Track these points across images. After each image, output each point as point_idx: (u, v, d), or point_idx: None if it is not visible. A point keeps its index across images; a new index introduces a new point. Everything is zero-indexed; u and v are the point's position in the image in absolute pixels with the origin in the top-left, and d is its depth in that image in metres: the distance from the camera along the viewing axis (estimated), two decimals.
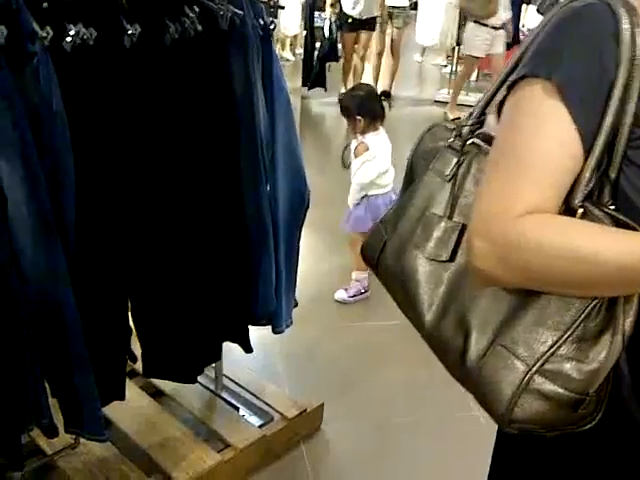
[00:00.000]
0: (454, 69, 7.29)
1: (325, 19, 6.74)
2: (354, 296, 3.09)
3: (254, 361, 2.40)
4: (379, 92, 3.04)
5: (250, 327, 1.96)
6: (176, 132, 1.60)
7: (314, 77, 6.63)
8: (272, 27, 1.71)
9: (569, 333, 0.73)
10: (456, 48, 7.08)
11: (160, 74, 1.53)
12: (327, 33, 6.62)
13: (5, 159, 1.29)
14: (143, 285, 1.72)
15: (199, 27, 1.56)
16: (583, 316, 0.73)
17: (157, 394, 2.21)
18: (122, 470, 1.87)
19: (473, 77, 7.99)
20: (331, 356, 2.68)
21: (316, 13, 7.31)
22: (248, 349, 1.97)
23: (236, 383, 2.30)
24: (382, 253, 0.98)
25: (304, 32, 6.43)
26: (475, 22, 5.77)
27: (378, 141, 2.98)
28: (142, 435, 2.00)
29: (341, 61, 6.72)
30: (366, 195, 3.00)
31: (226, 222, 1.77)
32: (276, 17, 1.76)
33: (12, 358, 1.42)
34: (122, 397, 1.74)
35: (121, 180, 1.53)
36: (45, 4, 1.33)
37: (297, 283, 2.06)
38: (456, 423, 2.35)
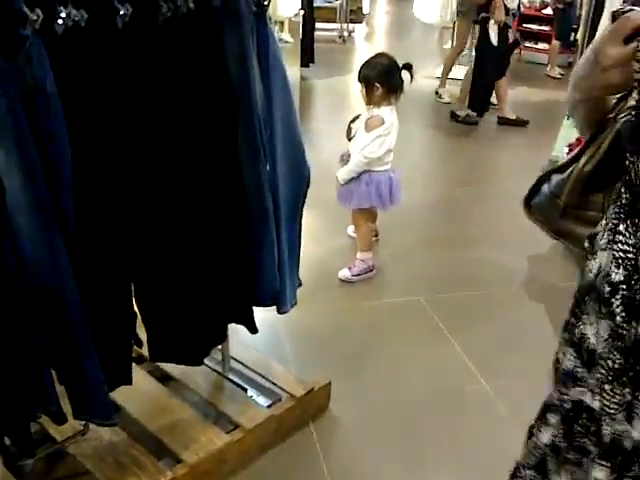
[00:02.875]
0: (454, 44, 7.20)
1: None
2: (358, 275, 3.08)
3: (260, 342, 2.40)
4: (401, 64, 2.97)
5: (255, 308, 1.96)
6: (172, 112, 1.58)
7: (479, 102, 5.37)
8: (266, 3, 1.69)
9: None
10: (456, 23, 6.99)
11: (154, 54, 1.51)
12: (495, 42, 5.19)
13: (1, 145, 1.29)
14: (146, 269, 1.71)
15: (191, 5, 1.54)
16: None
17: (164, 378, 2.21)
18: (132, 454, 1.88)
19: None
20: (336, 335, 2.69)
21: None
22: (253, 330, 1.97)
23: (243, 364, 2.30)
24: None
25: (302, 12, 6.34)
26: None
27: (393, 117, 2.94)
28: (151, 419, 2.01)
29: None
30: (368, 171, 2.97)
31: (226, 203, 1.76)
32: None
33: (15, 346, 1.42)
34: (129, 382, 1.75)
35: (119, 162, 1.52)
36: None
37: (300, 263, 2.06)
38: (465, 397, 2.35)
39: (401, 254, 3.38)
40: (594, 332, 0.91)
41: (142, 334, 1.83)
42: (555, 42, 7.21)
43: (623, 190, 0.87)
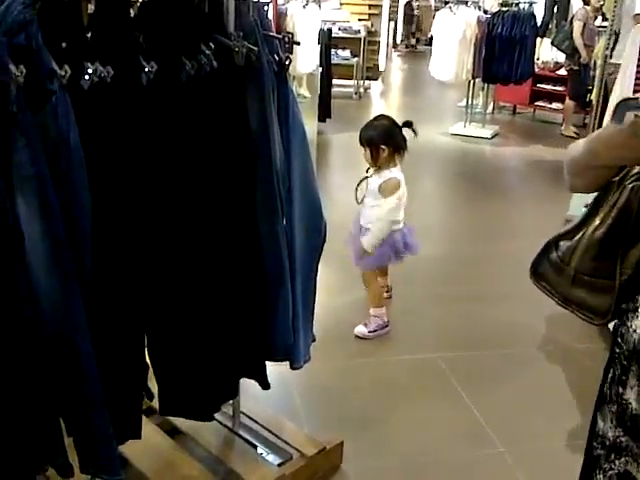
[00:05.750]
0: (469, 102, 7.33)
1: None
2: (375, 331, 3.05)
3: (272, 397, 2.36)
4: (401, 123, 3.00)
5: (267, 363, 1.94)
6: (193, 168, 1.60)
7: None
8: (287, 63, 1.73)
9: None
10: (471, 82, 7.13)
11: (177, 110, 1.54)
12: None
13: (22, 195, 1.30)
14: (160, 321, 1.70)
15: (215, 63, 1.57)
16: None
17: (174, 432, 2.17)
18: None
19: (489, 109, 8.04)
20: (350, 392, 2.64)
21: (332, 50, 7.38)
22: (266, 385, 1.94)
23: (254, 420, 2.26)
24: None
25: (320, 69, 6.49)
26: None
27: (401, 174, 2.96)
28: (159, 474, 1.97)
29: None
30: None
31: (242, 257, 1.76)
32: (291, 53, 1.77)
33: (28, 396, 1.40)
34: (138, 436, 1.72)
35: (139, 216, 1.53)
36: (64, 44, 1.35)
37: (314, 317, 2.04)
38: (481, 462, 2.28)
39: (416, 310, 3.35)
40: (636, 397, 0.88)
41: (153, 387, 1.80)
42: (569, 101, 7.30)
43: None
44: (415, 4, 15.08)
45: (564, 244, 1.17)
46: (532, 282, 1.25)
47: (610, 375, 0.94)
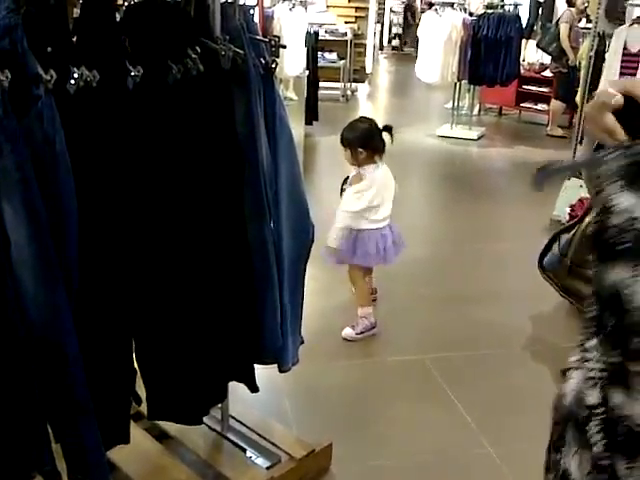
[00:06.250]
0: (456, 104, 7.37)
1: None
2: (362, 332, 3.05)
3: (260, 400, 2.36)
4: (381, 126, 3.05)
5: (256, 366, 1.94)
6: (179, 172, 1.60)
7: None
8: (274, 66, 1.73)
9: None
10: (457, 84, 7.16)
11: (163, 114, 1.54)
12: None
13: (9, 201, 1.30)
14: (147, 325, 1.70)
15: (201, 67, 1.57)
16: None
17: (162, 436, 2.17)
18: None
19: (475, 111, 8.08)
20: (339, 394, 2.64)
21: (319, 53, 7.38)
22: (254, 389, 1.94)
23: (242, 424, 2.26)
24: None
25: (306, 72, 6.49)
26: None
27: (376, 174, 2.98)
28: (148, 479, 1.96)
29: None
30: (354, 229, 2.98)
31: (230, 260, 1.76)
32: (278, 56, 1.77)
33: (14, 401, 1.40)
34: (127, 440, 1.71)
35: (126, 220, 1.53)
36: (49, 48, 1.35)
37: (302, 320, 2.04)
38: (470, 462, 2.30)
39: (402, 311, 3.36)
40: (576, 465, 0.75)
41: (141, 391, 1.80)
42: (555, 102, 7.35)
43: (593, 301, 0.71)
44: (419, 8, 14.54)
45: (564, 237, 1.18)
46: (539, 273, 1.27)
47: (552, 440, 0.81)
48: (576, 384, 0.74)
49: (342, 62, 9.00)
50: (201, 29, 1.65)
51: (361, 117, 3.21)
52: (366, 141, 2.97)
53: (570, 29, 6.98)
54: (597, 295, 0.69)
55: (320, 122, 6.97)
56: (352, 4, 9.85)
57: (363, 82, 10.12)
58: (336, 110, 7.94)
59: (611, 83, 0.73)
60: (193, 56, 1.57)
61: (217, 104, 1.64)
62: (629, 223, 0.62)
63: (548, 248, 1.26)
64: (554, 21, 7.70)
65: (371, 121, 3.10)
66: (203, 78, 1.59)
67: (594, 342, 0.70)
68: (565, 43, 6.97)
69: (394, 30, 15.29)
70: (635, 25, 4.24)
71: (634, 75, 3.96)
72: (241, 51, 1.66)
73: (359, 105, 9.31)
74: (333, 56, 8.99)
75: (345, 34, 9.16)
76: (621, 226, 0.62)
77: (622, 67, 4.07)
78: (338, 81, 9.03)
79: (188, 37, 1.60)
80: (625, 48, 4.20)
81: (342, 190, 3.12)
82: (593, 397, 0.70)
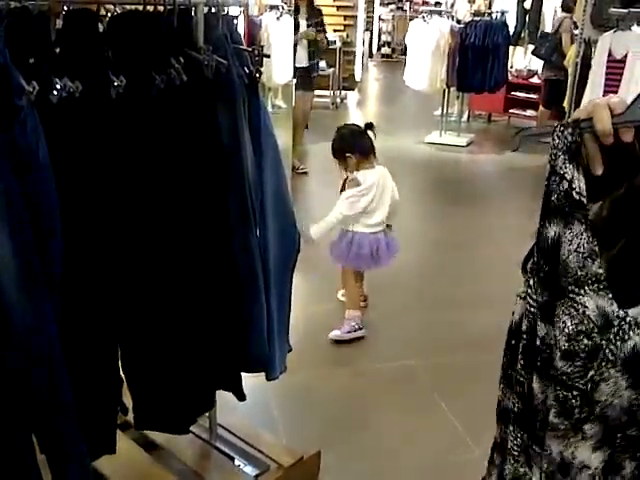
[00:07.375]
0: (445, 111, 7.40)
1: None
2: (349, 332, 3.07)
3: (248, 408, 2.36)
4: (363, 125, 3.09)
5: (243, 374, 1.94)
6: (164, 181, 1.60)
7: None
8: (257, 75, 1.74)
9: None
10: (446, 91, 7.20)
11: (147, 124, 1.54)
12: None
13: None
14: (133, 334, 1.70)
15: (185, 77, 1.58)
16: None
17: (150, 446, 2.16)
18: None
19: (464, 118, 8.12)
20: (327, 401, 2.65)
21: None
22: (241, 397, 1.94)
23: (230, 432, 2.25)
24: None
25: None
26: None
27: (372, 176, 3.00)
28: None
29: None
30: (351, 231, 3.02)
31: (216, 269, 1.77)
32: (262, 66, 1.78)
33: (1, 413, 1.39)
34: (113, 450, 1.70)
35: (110, 230, 1.53)
36: (32, 59, 1.35)
37: (290, 327, 2.05)
38: (460, 468, 2.30)
39: (392, 316, 3.37)
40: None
41: (127, 401, 1.79)
42: (542, 109, 7.39)
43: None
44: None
45: None
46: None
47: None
48: (519, 312, 0.91)
49: (331, 70, 9.04)
50: (184, 39, 1.66)
51: (340, 126, 3.27)
52: (350, 145, 3.01)
53: (571, 37, 6.97)
54: (538, 246, 0.85)
55: (310, 130, 6.99)
56: (340, 12, 9.91)
57: (353, 90, 10.17)
58: (326, 118, 7.96)
59: (579, 110, 0.81)
60: (176, 66, 1.58)
61: (201, 114, 1.65)
62: (569, 189, 0.79)
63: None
64: (541, 28, 7.73)
65: (351, 125, 3.20)
66: (187, 88, 1.59)
67: (533, 282, 0.85)
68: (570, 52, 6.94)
69: (383, 38, 15.38)
70: (619, 32, 4.27)
71: (619, 82, 3.99)
72: (224, 61, 1.67)
73: (349, 113, 9.35)
74: (322, 64, 9.01)
75: (334, 42, 9.20)
76: (564, 191, 0.80)
77: (607, 74, 4.10)
78: (327, 89, 9.06)
79: (171, 47, 1.60)
80: (610, 55, 4.24)
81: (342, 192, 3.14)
82: (524, 325, 0.88)
